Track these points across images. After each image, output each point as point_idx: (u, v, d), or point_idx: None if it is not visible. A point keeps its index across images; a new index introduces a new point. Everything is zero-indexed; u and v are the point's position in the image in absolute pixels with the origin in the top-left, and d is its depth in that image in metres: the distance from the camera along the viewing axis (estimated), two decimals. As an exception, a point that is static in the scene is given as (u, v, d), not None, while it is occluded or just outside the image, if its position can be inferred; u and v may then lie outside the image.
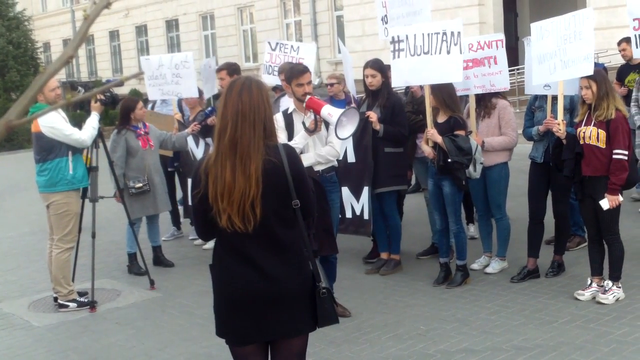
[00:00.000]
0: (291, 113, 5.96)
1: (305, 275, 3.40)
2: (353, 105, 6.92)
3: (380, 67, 7.07)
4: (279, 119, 5.92)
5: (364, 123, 6.92)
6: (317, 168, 5.93)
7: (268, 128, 3.29)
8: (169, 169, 9.02)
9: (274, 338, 3.44)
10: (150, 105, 9.48)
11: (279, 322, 3.35)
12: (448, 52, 6.32)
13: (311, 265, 3.44)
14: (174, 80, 8.51)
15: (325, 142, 5.93)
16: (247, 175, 3.19)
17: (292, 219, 3.37)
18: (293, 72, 5.85)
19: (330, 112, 5.25)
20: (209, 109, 8.17)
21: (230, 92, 3.30)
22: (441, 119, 6.64)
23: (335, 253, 5.95)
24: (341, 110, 5.23)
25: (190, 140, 8.20)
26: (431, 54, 6.41)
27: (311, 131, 5.65)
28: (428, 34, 6.43)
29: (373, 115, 6.91)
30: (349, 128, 5.21)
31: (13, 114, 1.65)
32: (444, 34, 6.33)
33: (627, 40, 9.50)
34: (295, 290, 3.36)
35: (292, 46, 8.60)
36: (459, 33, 6.29)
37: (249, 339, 3.39)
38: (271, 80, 8.82)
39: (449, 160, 6.38)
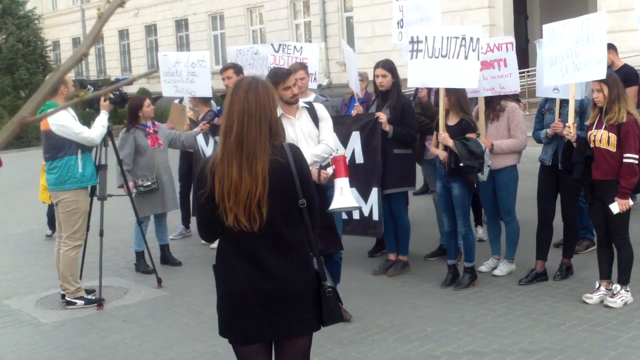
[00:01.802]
0: (279, 117, 5.90)
1: (311, 275, 3.42)
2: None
3: (390, 68, 7.07)
4: None
5: (373, 124, 6.92)
6: (315, 167, 5.92)
7: (274, 128, 3.31)
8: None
9: (278, 337, 3.44)
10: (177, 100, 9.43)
11: (284, 322, 3.36)
12: (466, 58, 6.30)
13: (316, 265, 3.46)
14: (189, 78, 8.54)
15: (318, 141, 5.93)
16: (254, 175, 3.20)
17: (297, 218, 3.39)
18: (277, 77, 5.74)
19: (342, 186, 4.81)
20: (218, 108, 8.17)
21: (237, 91, 3.31)
22: (452, 121, 6.62)
23: (340, 249, 5.94)
24: (350, 194, 4.86)
25: (201, 139, 8.21)
26: (449, 58, 6.38)
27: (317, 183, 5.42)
28: (447, 37, 6.40)
29: (383, 116, 6.91)
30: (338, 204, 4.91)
31: (27, 111, 1.66)
32: (464, 38, 6.31)
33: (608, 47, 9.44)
34: (301, 290, 3.37)
35: (295, 47, 8.55)
36: (477, 39, 6.27)
37: (254, 338, 3.40)
38: None
39: (461, 164, 6.37)
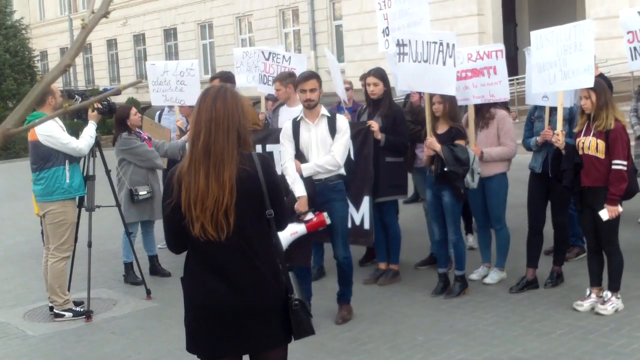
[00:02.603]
0: (299, 120, 6.08)
1: (279, 287, 3.36)
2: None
3: (382, 76, 7.07)
4: (287, 127, 6.11)
5: (366, 132, 6.91)
6: (318, 177, 5.96)
7: (242, 136, 3.28)
8: None
9: (248, 352, 3.40)
10: (158, 113, 9.45)
11: (253, 336, 3.31)
12: (444, 64, 6.34)
13: (284, 277, 3.40)
14: (178, 87, 8.51)
15: (329, 150, 5.98)
16: (221, 183, 3.18)
17: (265, 229, 3.35)
18: (299, 78, 6.21)
19: (297, 232, 5.74)
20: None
21: (204, 99, 3.29)
22: (441, 129, 6.62)
23: (305, 265, 6.05)
24: (288, 242, 5.65)
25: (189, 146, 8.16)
26: (430, 63, 6.43)
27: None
28: (427, 42, 6.45)
29: (375, 125, 6.89)
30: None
31: (10, 122, 1.64)
32: (441, 44, 6.35)
33: None
34: (269, 303, 3.32)
35: (284, 56, 8.70)
36: (453, 45, 6.30)
37: (223, 354, 3.35)
38: (266, 90, 8.83)
39: (445, 169, 6.38)
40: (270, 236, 3.37)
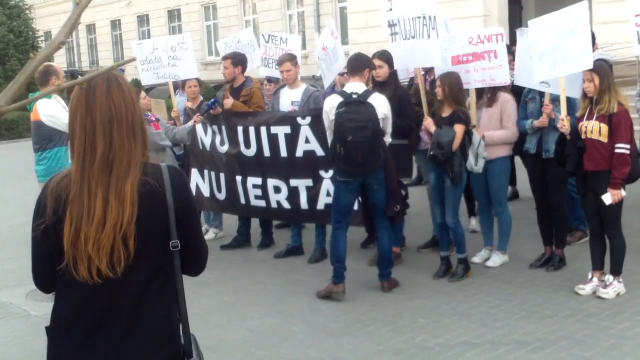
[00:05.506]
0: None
1: (173, 349, 2.51)
2: None
3: (387, 58, 7.06)
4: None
5: None
6: None
7: (145, 137, 2.48)
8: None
9: None
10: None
11: None
12: (428, 36, 6.60)
13: (182, 334, 2.55)
14: (171, 62, 8.37)
15: None
16: (122, 198, 2.33)
17: (166, 266, 2.48)
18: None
19: None
20: (212, 100, 8.07)
21: (93, 95, 2.37)
22: (445, 113, 6.59)
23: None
24: None
25: (199, 128, 8.05)
26: (417, 38, 6.70)
27: None
28: (412, 18, 6.69)
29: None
30: None
31: (3, 100, 1.62)
32: (424, 17, 6.58)
33: None
34: None
35: (281, 38, 8.96)
36: (434, 17, 6.53)
37: None
38: (267, 72, 8.81)
39: (431, 152, 6.40)
40: (172, 276, 2.49)
